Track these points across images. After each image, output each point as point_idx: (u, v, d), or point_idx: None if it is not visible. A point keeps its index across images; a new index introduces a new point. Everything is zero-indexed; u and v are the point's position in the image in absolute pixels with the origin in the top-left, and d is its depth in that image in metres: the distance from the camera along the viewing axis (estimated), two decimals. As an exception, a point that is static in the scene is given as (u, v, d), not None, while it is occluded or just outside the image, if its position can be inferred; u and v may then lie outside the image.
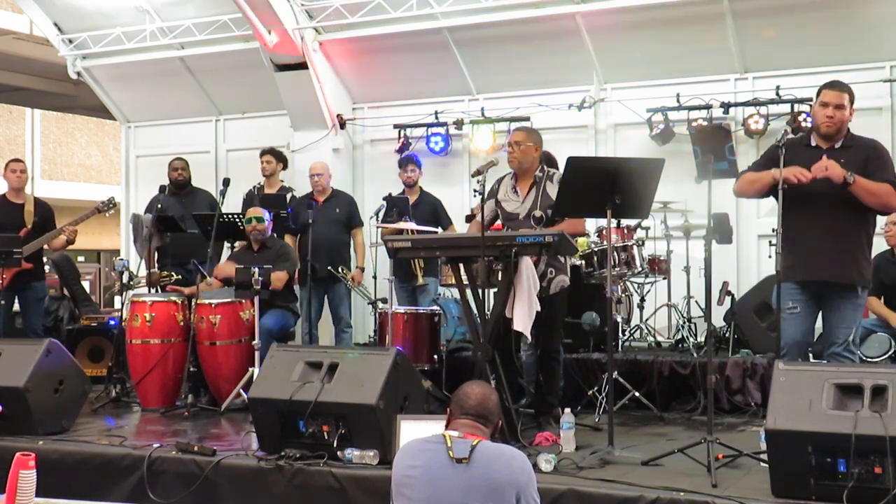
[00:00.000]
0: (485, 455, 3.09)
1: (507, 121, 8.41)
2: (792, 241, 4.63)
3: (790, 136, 4.74)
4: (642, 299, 7.35)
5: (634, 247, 6.64)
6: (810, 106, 4.89)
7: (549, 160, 6.61)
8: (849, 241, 4.68)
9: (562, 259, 5.55)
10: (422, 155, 8.30)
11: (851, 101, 4.73)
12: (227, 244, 7.90)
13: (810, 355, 4.93)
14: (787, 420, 3.88)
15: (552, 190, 5.48)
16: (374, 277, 7.61)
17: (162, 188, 7.94)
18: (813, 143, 4.78)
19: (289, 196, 8.09)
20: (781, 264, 4.60)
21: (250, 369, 6.36)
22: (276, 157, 8.21)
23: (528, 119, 8.32)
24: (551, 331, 5.53)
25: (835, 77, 7.18)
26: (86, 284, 10.81)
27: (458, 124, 8.68)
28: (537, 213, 5.49)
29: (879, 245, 6.66)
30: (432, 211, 7.74)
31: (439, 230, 7.47)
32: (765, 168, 4.81)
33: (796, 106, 7.50)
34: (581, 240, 6.63)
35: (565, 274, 5.58)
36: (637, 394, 6.12)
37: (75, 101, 17.60)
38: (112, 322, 8.04)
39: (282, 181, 8.31)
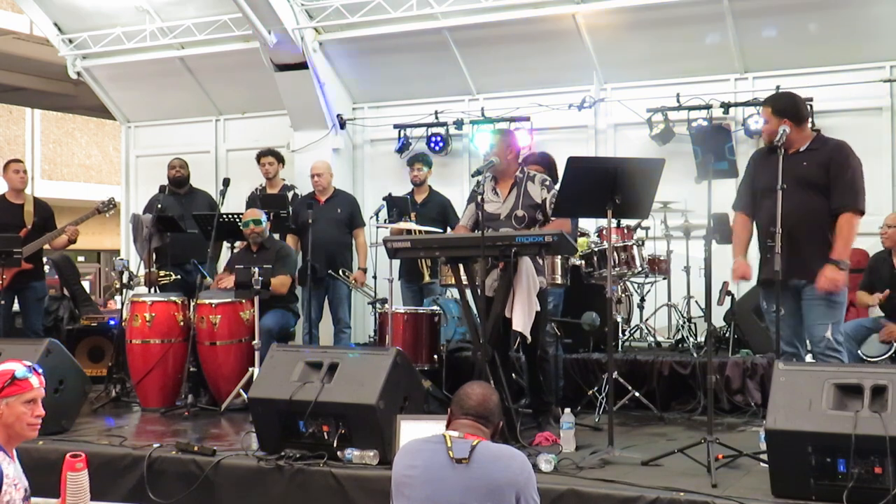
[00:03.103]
0: (484, 455, 3.09)
1: (507, 121, 8.41)
2: (765, 243, 4.68)
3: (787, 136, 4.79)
4: (642, 299, 7.34)
5: (634, 247, 6.63)
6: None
7: (548, 161, 6.61)
8: (813, 241, 4.72)
9: (540, 260, 5.53)
10: (423, 155, 8.30)
11: (780, 114, 4.81)
12: (226, 244, 7.90)
13: (809, 355, 4.94)
14: (787, 420, 3.88)
15: (533, 190, 5.51)
16: (374, 277, 7.61)
17: (162, 188, 7.95)
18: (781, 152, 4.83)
19: (290, 194, 8.09)
20: (760, 266, 4.67)
21: (250, 369, 6.36)
22: (277, 157, 8.22)
23: (528, 119, 8.33)
24: (538, 329, 5.50)
25: (835, 77, 7.29)
26: (86, 284, 10.81)
27: (458, 124, 8.68)
28: (519, 212, 5.49)
29: (876, 245, 6.69)
30: (441, 210, 7.72)
31: (449, 230, 7.47)
32: (747, 195, 4.96)
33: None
34: (581, 240, 6.63)
35: (544, 275, 5.55)
36: (637, 394, 6.12)
37: (75, 101, 17.61)
38: (112, 322, 8.04)
39: (283, 179, 8.31)
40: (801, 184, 4.72)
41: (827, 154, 4.77)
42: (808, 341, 4.89)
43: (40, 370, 3.31)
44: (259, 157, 8.22)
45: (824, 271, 4.64)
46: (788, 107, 4.85)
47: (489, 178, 5.63)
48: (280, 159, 8.24)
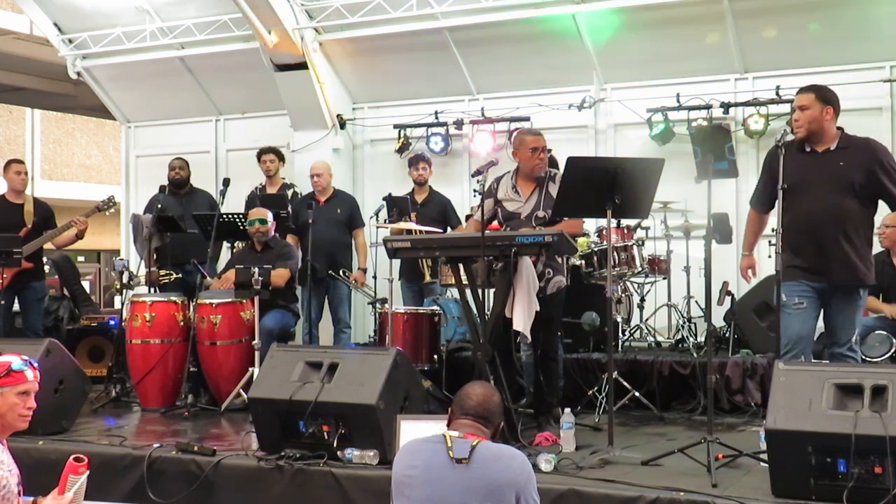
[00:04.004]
0: (484, 455, 3.09)
1: (507, 121, 8.41)
2: (797, 242, 4.65)
3: (789, 136, 4.75)
4: (642, 299, 7.34)
5: (634, 247, 6.63)
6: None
7: (550, 160, 6.61)
8: (853, 242, 4.68)
9: (559, 259, 5.56)
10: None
11: (824, 101, 4.71)
12: (226, 244, 7.90)
13: (811, 355, 4.92)
14: (787, 420, 3.88)
15: (554, 190, 5.49)
16: (375, 277, 7.61)
17: (162, 188, 7.95)
18: (808, 149, 4.77)
19: (290, 192, 8.09)
20: (786, 263, 4.62)
21: (250, 369, 6.36)
22: (278, 155, 8.22)
23: (528, 119, 8.32)
24: (549, 331, 5.54)
25: (835, 77, 7.27)
26: (86, 284, 10.81)
27: (458, 124, 8.68)
28: (540, 213, 5.49)
29: (875, 246, 6.67)
30: (441, 210, 7.72)
31: (449, 230, 7.48)
32: (768, 188, 4.84)
33: (796, 106, 7.50)
34: (581, 240, 6.64)
35: (563, 275, 5.60)
36: (637, 394, 6.12)
37: (75, 101, 17.60)
38: (112, 322, 8.04)
39: (283, 178, 8.31)
40: (837, 184, 4.66)
41: (863, 154, 4.69)
42: (833, 341, 4.85)
43: (36, 365, 3.40)
44: (260, 154, 8.22)
45: None
46: (832, 96, 4.76)
47: (510, 177, 5.64)
48: (281, 157, 8.25)
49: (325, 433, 4.70)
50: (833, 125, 4.76)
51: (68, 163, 17.35)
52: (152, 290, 7.27)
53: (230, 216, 7.30)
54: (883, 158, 4.71)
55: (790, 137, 4.78)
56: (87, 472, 3.18)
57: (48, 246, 7.26)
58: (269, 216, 7.02)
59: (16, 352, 3.52)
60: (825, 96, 4.75)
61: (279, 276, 6.75)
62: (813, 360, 4.83)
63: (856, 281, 4.70)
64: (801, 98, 4.77)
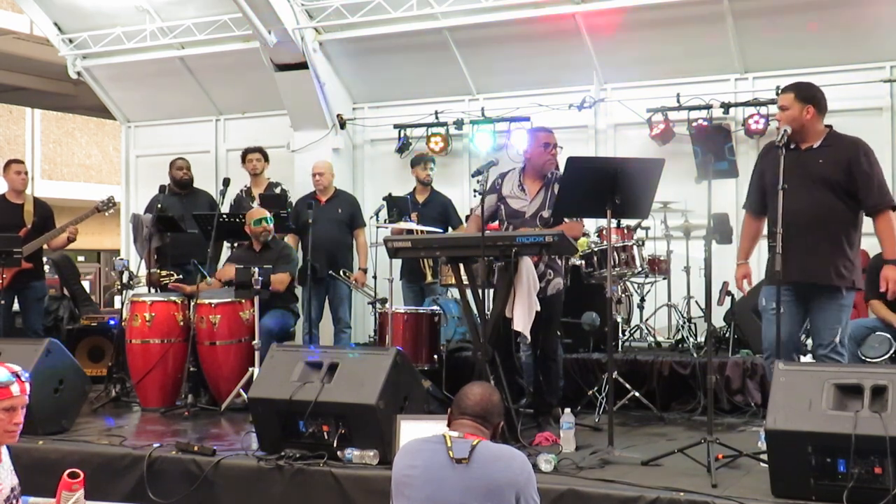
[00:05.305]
0: (484, 455, 3.09)
1: (507, 121, 8.41)
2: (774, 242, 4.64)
3: (787, 137, 4.72)
4: (642, 299, 7.34)
5: (634, 247, 6.64)
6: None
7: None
8: (828, 242, 4.63)
9: (559, 262, 5.56)
10: (422, 155, 8.29)
11: (804, 99, 4.67)
12: (226, 244, 7.89)
13: (799, 356, 4.91)
14: (787, 420, 3.88)
15: None
16: (375, 277, 7.61)
17: (162, 188, 7.94)
18: (792, 146, 4.70)
19: (277, 189, 8.09)
20: (770, 264, 4.61)
21: (250, 369, 6.36)
22: (263, 155, 8.21)
23: (528, 119, 8.32)
24: (548, 332, 5.54)
25: (835, 77, 7.27)
26: (86, 284, 10.81)
27: (458, 124, 8.68)
28: (545, 213, 5.49)
29: (875, 246, 6.66)
30: (442, 210, 7.72)
31: (450, 230, 7.47)
32: (753, 189, 4.88)
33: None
34: (581, 240, 6.64)
35: (562, 276, 5.60)
36: (637, 394, 6.12)
37: (75, 101, 17.61)
38: (112, 322, 8.04)
39: (268, 178, 8.30)
40: (817, 182, 4.62)
41: (845, 152, 4.64)
42: (811, 341, 4.85)
43: (25, 377, 3.19)
44: (245, 153, 8.21)
45: (886, 273, 4.55)
46: (813, 94, 4.70)
47: (517, 174, 5.64)
48: (266, 157, 8.23)
49: (325, 433, 4.71)
50: (817, 123, 4.71)
51: (68, 163, 17.36)
52: (153, 290, 7.27)
53: (230, 216, 7.29)
54: (862, 154, 4.65)
55: (776, 140, 4.74)
56: (82, 490, 3.12)
57: (47, 246, 7.26)
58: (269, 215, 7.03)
59: (17, 358, 3.41)
60: (805, 95, 4.69)
61: (280, 280, 6.74)
62: (812, 361, 4.83)
63: (832, 281, 4.63)
64: (781, 98, 4.77)
